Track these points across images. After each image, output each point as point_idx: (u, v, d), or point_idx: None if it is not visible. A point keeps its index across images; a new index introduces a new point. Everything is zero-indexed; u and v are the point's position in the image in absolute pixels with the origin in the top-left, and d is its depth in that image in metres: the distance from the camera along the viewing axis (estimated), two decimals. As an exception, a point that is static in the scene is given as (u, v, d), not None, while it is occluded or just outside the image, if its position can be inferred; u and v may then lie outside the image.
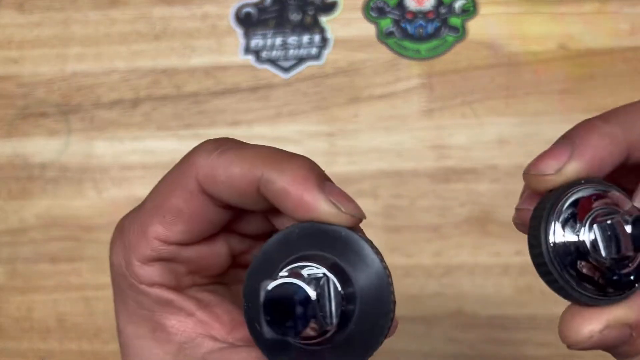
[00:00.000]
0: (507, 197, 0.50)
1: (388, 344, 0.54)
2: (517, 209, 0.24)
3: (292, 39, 0.53)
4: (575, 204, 0.20)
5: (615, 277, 0.19)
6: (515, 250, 0.49)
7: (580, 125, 0.22)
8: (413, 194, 0.51)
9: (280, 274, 0.19)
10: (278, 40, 0.53)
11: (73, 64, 0.53)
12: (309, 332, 0.19)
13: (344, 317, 0.20)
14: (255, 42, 0.53)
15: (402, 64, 0.52)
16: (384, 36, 0.52)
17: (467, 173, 0.50)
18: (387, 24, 0.53)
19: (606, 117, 0.22)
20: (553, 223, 0.20)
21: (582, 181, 0.20)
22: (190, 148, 0.25)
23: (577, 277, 0.20)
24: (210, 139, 0.24)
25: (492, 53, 0.52)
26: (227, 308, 0.26)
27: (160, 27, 0.53)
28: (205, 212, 0.24)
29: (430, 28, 0.52)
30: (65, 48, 0.53)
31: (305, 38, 0.53)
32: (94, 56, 0.53)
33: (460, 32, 0.52)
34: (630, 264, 0.20)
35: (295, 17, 0.53)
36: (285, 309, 0.18)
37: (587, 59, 0.51)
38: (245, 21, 0.53)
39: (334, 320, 0.20)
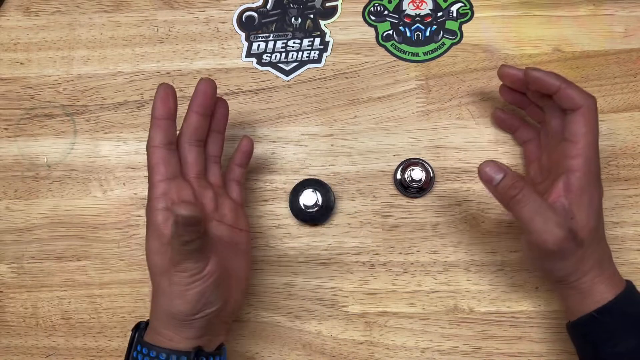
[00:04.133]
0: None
1: (387, 340, 0.54)
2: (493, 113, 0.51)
3: (293, 43, 0.53)
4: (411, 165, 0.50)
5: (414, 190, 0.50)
6: (510, 247, 0.50)
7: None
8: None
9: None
10: (279, 44, 0.53)
11: (79, 66, 0.53)
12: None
13: None
14: (257, 45, 0.53)
15: (400, 67, 0.52)
16: (382, 40, 0.53)
17: (463, 173, 0.51)
18: (385, 27, 0.53)
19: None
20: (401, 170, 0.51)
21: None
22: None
23: (406, 187, 0.50)
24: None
25: (488, 56, 0.52)
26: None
27: (164, 31, 0.54)
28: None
29: (428, 31, 0.53)
30: (71, 51, 0.54)
31: (306, 41, 0.53)
32: (99, 59, 0.53)
33: (457, 36, 0.52)
34: (416, 187, 0.50)
35: (295, 21, 0.53)
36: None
37: (581, 61, 0.52)
38: (247, 25, 0.53)
39: None
